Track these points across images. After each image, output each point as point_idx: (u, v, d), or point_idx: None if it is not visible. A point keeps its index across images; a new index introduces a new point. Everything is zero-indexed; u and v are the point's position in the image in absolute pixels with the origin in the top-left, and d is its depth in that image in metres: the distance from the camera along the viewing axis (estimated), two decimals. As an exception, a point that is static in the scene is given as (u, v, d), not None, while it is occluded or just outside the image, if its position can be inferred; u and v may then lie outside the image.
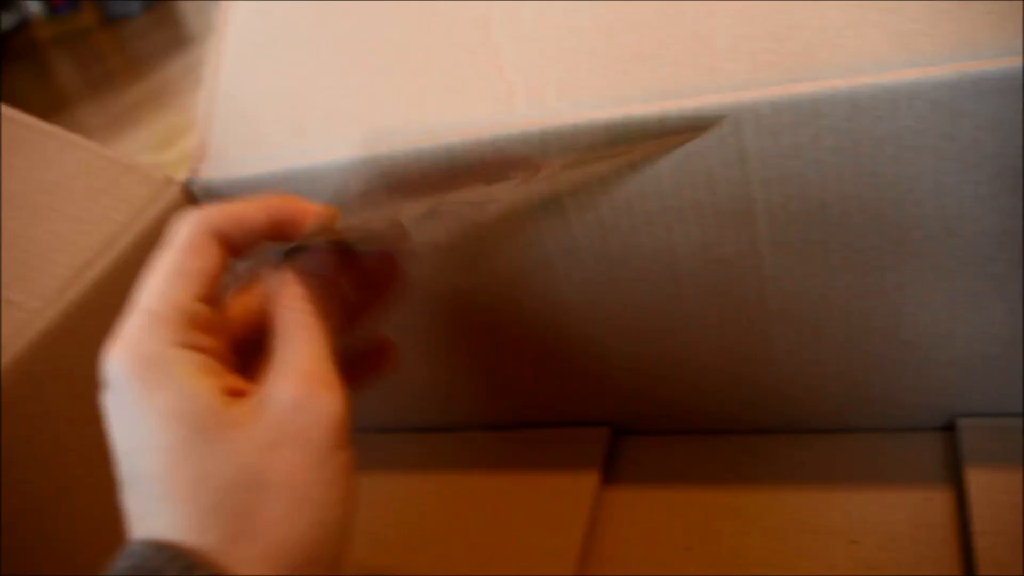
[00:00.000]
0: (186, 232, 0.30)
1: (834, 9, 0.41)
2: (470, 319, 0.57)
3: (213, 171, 0.55)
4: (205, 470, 0.26)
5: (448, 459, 0.63)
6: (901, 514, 0.50)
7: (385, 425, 0.67)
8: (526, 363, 0.58)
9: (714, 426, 0.58)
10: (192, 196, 0.56)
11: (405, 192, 0.46)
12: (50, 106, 2.12)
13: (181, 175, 0.56)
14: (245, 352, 0.31)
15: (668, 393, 0.57)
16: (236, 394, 0.28)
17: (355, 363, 0.35)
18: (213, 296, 0.30)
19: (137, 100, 1.98)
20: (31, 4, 2.99)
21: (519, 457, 0.61)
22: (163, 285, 0.29)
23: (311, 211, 0.32)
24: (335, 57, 0.53)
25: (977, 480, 0.49)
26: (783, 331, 0.50)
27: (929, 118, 0.40)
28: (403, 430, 0.66)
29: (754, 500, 0.54)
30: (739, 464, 0.56)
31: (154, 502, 0.26)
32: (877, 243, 0.45)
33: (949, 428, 0.53)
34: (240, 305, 0.33)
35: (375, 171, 0.47)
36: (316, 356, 0.28)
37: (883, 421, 0.55)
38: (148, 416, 0.26)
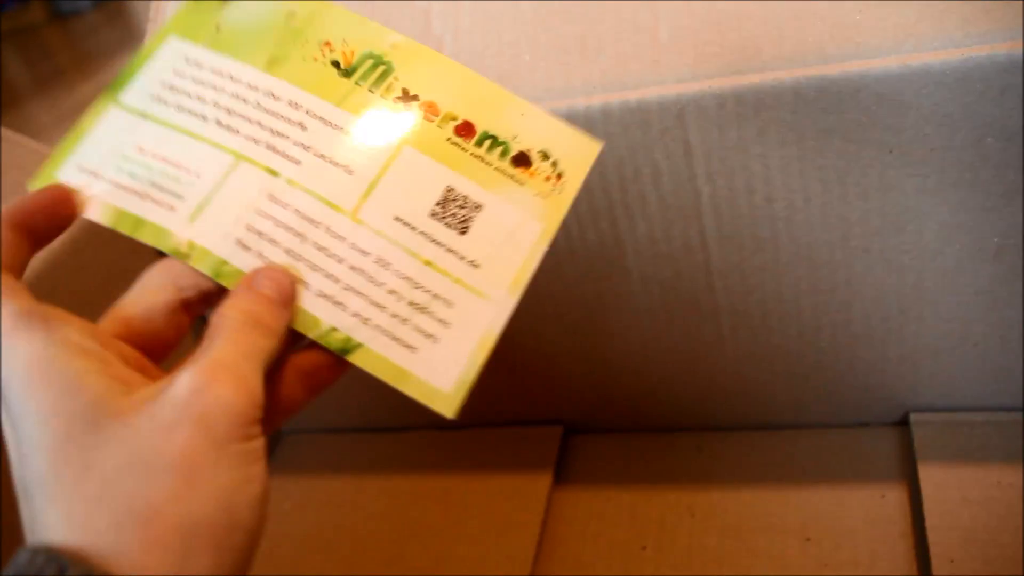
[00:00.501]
0: None
1: (778, 1, 0.40)
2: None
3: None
4: (89, 461, 0.25)
5: (399, 459, 0.61)
6: (856, 511, 0.50)
7: (334, 426, 0.65)
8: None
9: (667, 424, 0.58)
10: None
11: None
12: (-2, 103, 2.07)
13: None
14: (156, 355, 0.31)
15: (619, 390, 0.56)
16: (128, 383, 0.27)
17: (304, 374, 0.34)
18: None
19: (87, 97, 1.94)
20: (-21, -1, 2.93)
21: (471, 457, 0.60)
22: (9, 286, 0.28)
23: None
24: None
25: (929, 475, 0.48)
26: (734, 326, 0.50)
27: (874, 111, 0.39)
28: (353, 430, 0.65)
29: (708, 499, 0.53)
30: (693, 462, 0.56)
31: (43, 504, 0.25)
32: (825, 238, 0.44)
33: (903, 423, 0.53)
34: (143, 306, 0.31)
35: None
36: (233, 352, 0.27)
37: (837, 417, 0.54)
38: (29, 418, 0.25)
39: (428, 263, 0.31)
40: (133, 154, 0.33)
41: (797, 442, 0.55)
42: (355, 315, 0.31)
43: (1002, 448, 0.49)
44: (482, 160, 0.33)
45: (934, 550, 0.45)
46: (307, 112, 0.33)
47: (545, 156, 0.33)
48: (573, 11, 0.43)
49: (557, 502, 0.56)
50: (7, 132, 0.57)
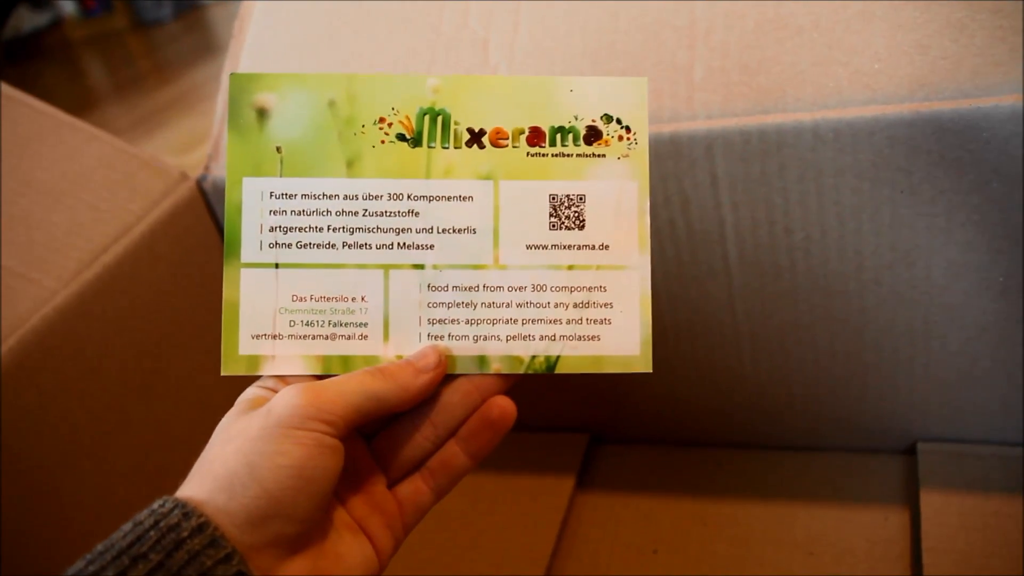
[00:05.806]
0: None
1: (803, 48, 0.44)
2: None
3: (224, 169, 0.58)
4: (215, 447, 0.32)
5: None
6: (858, 531, 0.53)
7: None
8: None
9: (688, 438, 0.61)
10: (203, 192, 0.59)
11: None
12: (80, 105, 2.16)
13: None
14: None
15: (644, 404, 0.59)
16: None
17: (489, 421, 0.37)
18: None
19: (164, 103, 2.03)
20: (65, 4, 3.06)
21: (499, 459, 0.63)
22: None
23: None
24: (347, 65, 0.56)
25: (930, 501, 0.51)
26: (752, 348, 0.53)
27: (887, 153, 0.42)
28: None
29: (720, 510, 0.56)
30: (708, 475, 0.59)
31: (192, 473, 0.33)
32: (840, 269, 0.47)
33: (912, 452, 0.56)
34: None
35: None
36: (336, 381, 0.33)
37: (849, 442, 0.57)
38: None
39: (571, 267, 0.36)
40: (294, 305, 0.36)
41: (809, 463, 0.58)
42: (543, 338, 0.36)
43: (1004, 480, 0.51)
44: (563, 155, 0.36)
45: (928, 571, 0.47)
46: (409, 197, 0.36)
47: (608, 118, 0.36)
48: (618, 48, 0.47)
49: (578, 504, 0.59)
50: (93, 129, 0.62)
